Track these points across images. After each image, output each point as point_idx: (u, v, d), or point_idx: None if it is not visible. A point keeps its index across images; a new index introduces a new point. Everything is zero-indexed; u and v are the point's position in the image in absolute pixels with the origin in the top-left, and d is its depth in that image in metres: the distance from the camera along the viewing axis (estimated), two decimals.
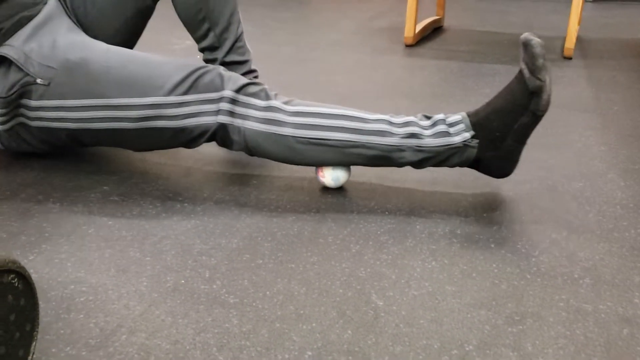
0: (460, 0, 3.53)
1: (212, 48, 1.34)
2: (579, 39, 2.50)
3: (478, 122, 1.06)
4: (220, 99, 1.09)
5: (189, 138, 1.12)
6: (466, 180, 1.18)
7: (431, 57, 2.17)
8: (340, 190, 1.14)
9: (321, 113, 1.08)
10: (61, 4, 1.22)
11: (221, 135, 1.11)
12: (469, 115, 1.07)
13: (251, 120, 1.09)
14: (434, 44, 2.38)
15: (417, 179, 1.18)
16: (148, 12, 1.32)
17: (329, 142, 1.07)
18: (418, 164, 1.08)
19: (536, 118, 1.04)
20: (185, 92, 1.09)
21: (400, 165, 1.09)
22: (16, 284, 0.62)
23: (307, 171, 1.22)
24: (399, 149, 1.06)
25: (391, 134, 1.06)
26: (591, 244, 0.97)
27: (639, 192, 1.14)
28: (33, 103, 1.13)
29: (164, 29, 2.51)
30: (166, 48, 2.23)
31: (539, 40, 1.01)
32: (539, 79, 1.01)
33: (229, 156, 1.29)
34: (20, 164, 1.23)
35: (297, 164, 1.11)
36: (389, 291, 0.84)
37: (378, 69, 1.98)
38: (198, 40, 1.34)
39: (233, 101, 1.09)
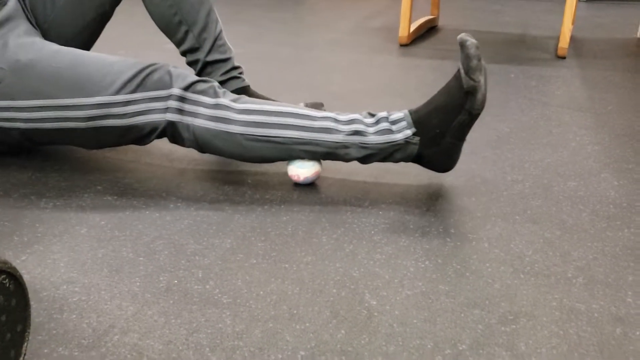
0: (454, 0, 3.53)
1: (192, 50, 1.34)
2: (572, 39, 2.51)
3: (419, 119, 1.09)
4: (168, 97, 1.10)
5: (139, 135, 1.13)
6: (460, 181, 1.18)
7: (425, 56, 2.17)
8: (334, 190, 1.14)
9: (269, 111, 1.10)
10: (21, 6, 1.22)
11: (171, 132, 1.12)
12: (410, 112, 1.10)
13: (200, 118, 1.10)
14: (429, 43, 2.38)
15: (411, 180, 1.18)
16: (106, 17, 1.34)
17: (277, 139, 1.09)
18: (363, 160, 1.12)
19: (472, 117, 1.07)
20: (133, 91, 1.10)
21: (346, 160, 1.12)
22: (7, 285, 0.62)
23: None
24: (344, 145, 1.09)
25: (337, 131, 1.09)
26: (584, 243, 0.97)
27: (632, 191, 1.15)
28: None
29: (156, 30, 2.51)
30: (159, 48, 2.23)
31: (474, 41, 1.04)
32: (473, 80, 1.04)
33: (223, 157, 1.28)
34: (15, 164, 1.22)
35: (247, 161, 1.13)
36: (383, 291, 0.84)
37: (373, 69, 1.98)
38: (178, 44, 1.34)
39: (181, 99, 1.10)
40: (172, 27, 1.31)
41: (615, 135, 1.43)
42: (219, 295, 0.83)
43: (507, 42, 2.43)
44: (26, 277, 0.86)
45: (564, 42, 2.15)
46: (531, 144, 1.36)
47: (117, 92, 1.09)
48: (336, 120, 1.10)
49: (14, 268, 0.63)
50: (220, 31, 1.36)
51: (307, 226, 1.01)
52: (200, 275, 0.87)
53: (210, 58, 1.34)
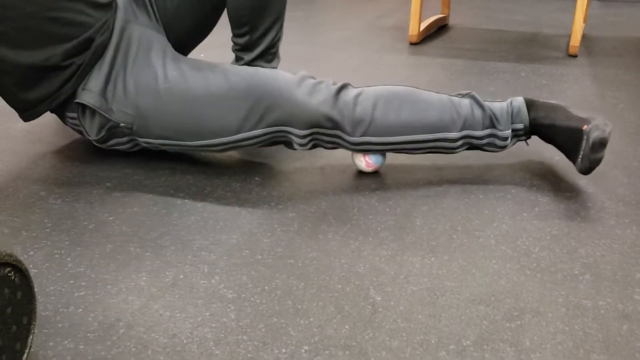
0: None
1: (243, 49, 1.35)
2: (585, 37, 2.49)
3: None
4: (293, 134, 1.11)
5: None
6: (466, 177, 1.18)
7: (436, 55, 2.16)
8: (341, 187, 1.14)
9: (395, 142, 1.13)
10: (135, 3, 1.22)
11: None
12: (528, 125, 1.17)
13: (339, 145, 1.13)
14: (439, 42, 2.38)
15: (418, 177, 1.18)
16: (221, 6, 1.33)
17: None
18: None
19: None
20: (253, 128, 1.10)
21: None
22: (12, 277, 0.63)
23: (309, 167, 1.22)
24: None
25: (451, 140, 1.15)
26: (592, 241, 0.96)
27: None
28: (125, 139, 1.18)
29: None
30: None
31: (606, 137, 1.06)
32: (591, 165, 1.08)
33: (232, 152, 1.29)
34: (27, 160, 1.24)
35: None
36: (388, 287, 0.84)
37: (383, 67, 1.98)
38: (234, 35, 1.35)
39: (308, 135, 1.11)
40: (236, 22, 1.32)
41: (626, 134, 1.41)
42: (224, 290, 0.83)
43: (518, 40, 2.42)
44: (33, 272, 0.87)
45: (576, 41, 2.13)
46: (540, 142, 1.35)
47: (238, 132, 1.10)
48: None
49: (20, 261, 0.64)
50: (278, 40, 1.36)
51: (314, 222, 1.01)
52: (206, 270, 0.88)
53: (253, 64, 1.35)
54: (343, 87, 1.12)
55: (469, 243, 0.95)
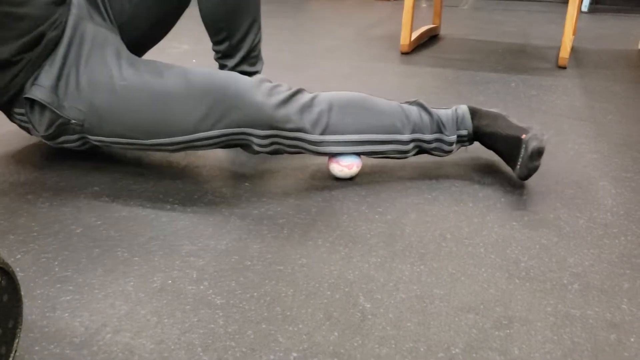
0: (456, 10, 3.54)
1: (225, 56, 1.34)
2: (574, 49, 2.51)
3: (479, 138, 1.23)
4: (253, 135, 1.11)
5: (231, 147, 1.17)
6: (456, 186, 1.18)
7: (426, 64, 2.17)
8: (331, 194, 1.13)
9: (355, 141, 1.15)
10: (89, 3, 1.21)
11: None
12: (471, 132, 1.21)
13: (300, 148, 1.14)
14: (430, 52, 2.39)
15: (408, 185, 1.18)
16: (182, 7, 1.32)
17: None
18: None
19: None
20: (211, 128, 1.09)
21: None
22: None
23: (300, 174, 1.21)
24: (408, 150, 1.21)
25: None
26: (581, 250, 0.96)
27: (630, 199, 1.14)
28: (74, 137, 1.15)
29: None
30: (164, 52, 2.23)
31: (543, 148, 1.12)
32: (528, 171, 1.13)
33: (222, 158, 1.28)
34: (14, 163, 1.22)
35: None
36: (377, 294, 0.84)
37: (373, 76, 1.99)
38: (214, 44, 1.35)
39: (270, 137, 1.11)
40: (213, 29, 1.32)
41: (615, 145, 1.42)
42: (213, 296, 0.83)
43: (508, 51, 2.43)
44: (20, 275, 0.86)
45: (565, 52, 2.15)
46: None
47: (195, 131, 1.09)
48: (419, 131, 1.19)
49: (7, 264, 0.63)
50: (258, 42, 1.36)
51: (303, 229, 1.00)
52: (194, 276, 0.87)
53: (237, 69, 1.35)
54: (299, 90, 1.14)
55: (458, 251, 0.95)
